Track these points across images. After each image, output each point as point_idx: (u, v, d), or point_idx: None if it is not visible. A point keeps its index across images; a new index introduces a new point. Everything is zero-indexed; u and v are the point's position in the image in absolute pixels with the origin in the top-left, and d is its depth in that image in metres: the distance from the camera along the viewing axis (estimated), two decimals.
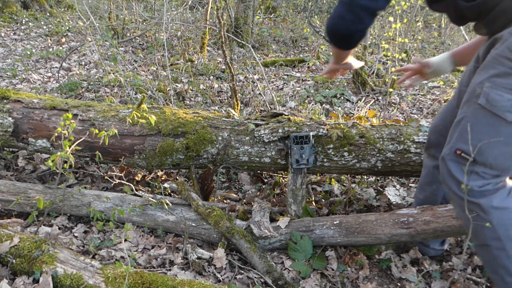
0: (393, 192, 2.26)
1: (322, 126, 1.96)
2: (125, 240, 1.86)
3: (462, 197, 1.26)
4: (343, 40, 1.30)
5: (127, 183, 2.02)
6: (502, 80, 1.14)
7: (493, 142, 1.19)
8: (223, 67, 4.92)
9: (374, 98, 4.01)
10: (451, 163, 1.27)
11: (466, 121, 1.24)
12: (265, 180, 2.53)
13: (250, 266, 1.74)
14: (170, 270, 1.70)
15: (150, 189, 2.32)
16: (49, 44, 5.94)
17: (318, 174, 2.54)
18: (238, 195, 2.34)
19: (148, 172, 2.51)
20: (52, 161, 1.42)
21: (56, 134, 1.61)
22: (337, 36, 1.29)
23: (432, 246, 1.79)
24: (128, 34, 5.99)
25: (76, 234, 1.90)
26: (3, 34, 6.38)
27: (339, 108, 3.78)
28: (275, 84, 4.58)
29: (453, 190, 1.29)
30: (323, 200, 2.29)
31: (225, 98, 4.00)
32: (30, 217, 1.56)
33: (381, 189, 2.40)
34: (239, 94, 3.94)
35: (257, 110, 3.60)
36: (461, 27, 3.20)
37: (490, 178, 1.24)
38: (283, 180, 2.45)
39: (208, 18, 5.42)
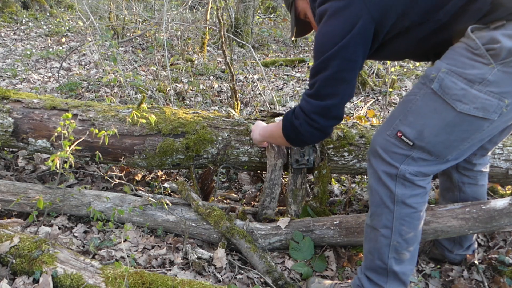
0: None
1: None
2: (125, 240, 1.86)
3: (382, 180, 1.27)
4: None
5: (127, 183, 2.02)
6: (459, 69, 1.12)
7: (436, 129, 1.17)
8: (223, 67, 4.92)
9: (374, 98, 4.01)
10: (385, 142, 1.26)
11: (412, 103, 1.21)
12: None
13: (250, 266, 1.74)
14: (170, 270, 1.70)
15: (150, 189, 2.32)
16: (49, 44, 5.94)
17: None
18: (238, 195, 2.34)
19: (148, 172, 2.51)
20: (52, 160, 1.42)
21: (56, 134, 1.61)
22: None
23: (456, 252, 1.72)
24: (128, 34, 5.99)
25: (76, 234, 1.90)
26: (3, 34, 6.38)
27: None
28: (275, 84, 4.58)
29: (375, 167, 1.29)
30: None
31: (225, 98, 4.00)
32: (30, 217, 1.56)
33: None
34: (239, 94, 3.93)
35: (257, 110, 3.60)
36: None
37: (424, 165, 1.24)
38: (283, 180, 2.45)
39: (208, 18, 5.42)
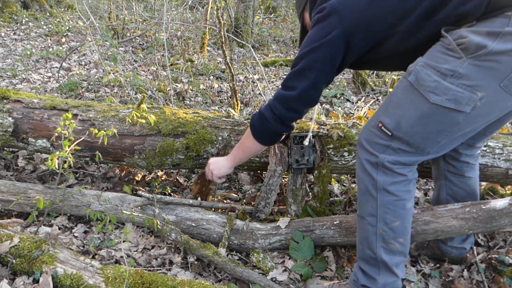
0: None
1: (322, 126, 1.96)
2: (125, 240, 1.86)
3: (366, 168, 1.34)
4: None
5: (127, 183, 2.02)
6: (433, 62, 1.19)
7: (412, 120, 1.23)
8: (223, 67, 4.92)
9: (374, 98, 4.01)
10: (369, 133, 1.34)
11: (394, 95, 1.31)
12: None
13: (251, 265, 1.74)
14: (170, 270, 1.70)
15: (150, 189, 2.32)
16: (49, 44, 5.94)
17: None
18: (238, 195, 2.34)
19: (148, 172, 2.51)
20: (51, 160, 1.42)
21: (56, 134, 1.61)
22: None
23: (450, 244, 1.70)
24: (128, 34, 5.99)
25: (76, 234, 1.90)
26: (3, 34, 6.38)
27: (339, 108, 3.78)
28: (275, 84, 4.58)
29: (359, 156, 1.38)
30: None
31: (225, 98, 4.00)
32: (30, 217, 1.56)
33: None
34: (239, 94, 3.93)
35: (257, 110, 3.60)
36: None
37: (404, 156, 1.30)
38: (283, 180, 2.45)
39: (208, 18, 5.42)
